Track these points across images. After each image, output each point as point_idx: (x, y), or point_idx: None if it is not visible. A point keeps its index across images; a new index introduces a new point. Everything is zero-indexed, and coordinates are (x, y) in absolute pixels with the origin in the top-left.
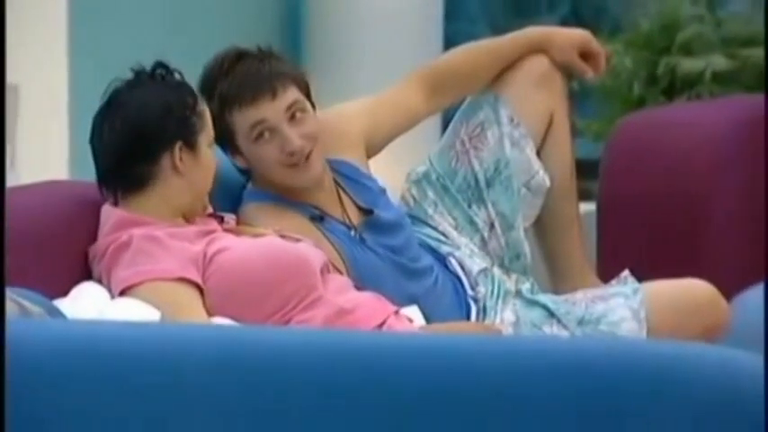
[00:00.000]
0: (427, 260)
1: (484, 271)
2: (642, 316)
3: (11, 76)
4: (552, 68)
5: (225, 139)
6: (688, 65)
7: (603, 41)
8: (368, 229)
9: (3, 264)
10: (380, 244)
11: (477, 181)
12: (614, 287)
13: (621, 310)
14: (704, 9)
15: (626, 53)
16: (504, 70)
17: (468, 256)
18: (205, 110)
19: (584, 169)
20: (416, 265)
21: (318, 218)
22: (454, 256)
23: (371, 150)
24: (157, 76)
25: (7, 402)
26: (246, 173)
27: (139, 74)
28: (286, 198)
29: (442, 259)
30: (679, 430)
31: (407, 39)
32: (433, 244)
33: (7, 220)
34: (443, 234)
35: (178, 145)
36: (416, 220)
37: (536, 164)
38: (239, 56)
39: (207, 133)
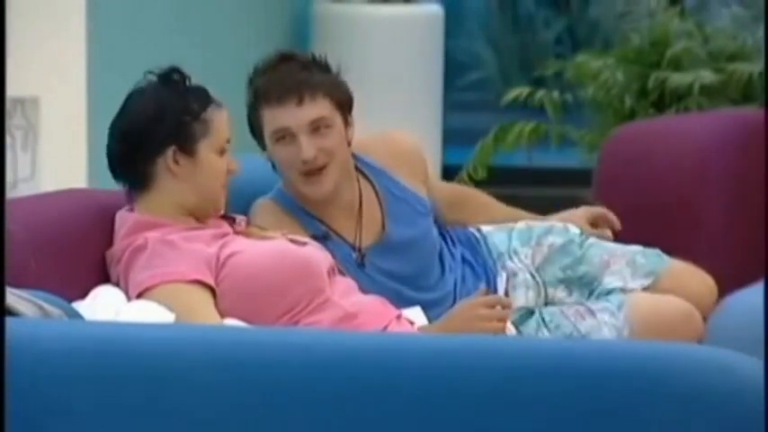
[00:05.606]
0: (445, 288)
1: (527, 312)
2: (626, 334)
3: (31, 89)
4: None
5: (255, 133)
6: (677, 79)
7: (596, 56)
8: (374, 252)
9: (2, 264)
10: (381, 270)
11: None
12: (601, 302)
13: (606, 329)
14: (692, 25)
15: (618, 67)
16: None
17: (522, 287)
18: (214, 117)
19: (579, 177)
20: (423, 297)
21: (322, 237)
22: (515, 277)
23: None
24: (170, 82)
25: (9, 399)
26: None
27: (152, 79)
28: (300, 207)
29: (492, 269)
30: (666, 428)
31: (409, 56)
32: (496, 253)
33: (7, 224)
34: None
35: (171, 149)
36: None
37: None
38: (286, 58)
39: (213, 139)
